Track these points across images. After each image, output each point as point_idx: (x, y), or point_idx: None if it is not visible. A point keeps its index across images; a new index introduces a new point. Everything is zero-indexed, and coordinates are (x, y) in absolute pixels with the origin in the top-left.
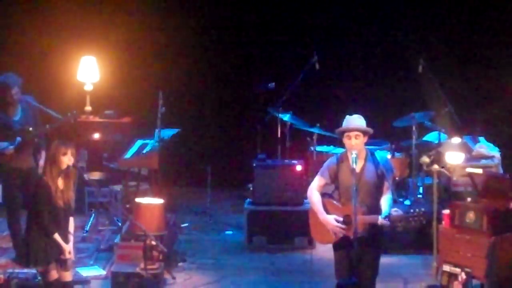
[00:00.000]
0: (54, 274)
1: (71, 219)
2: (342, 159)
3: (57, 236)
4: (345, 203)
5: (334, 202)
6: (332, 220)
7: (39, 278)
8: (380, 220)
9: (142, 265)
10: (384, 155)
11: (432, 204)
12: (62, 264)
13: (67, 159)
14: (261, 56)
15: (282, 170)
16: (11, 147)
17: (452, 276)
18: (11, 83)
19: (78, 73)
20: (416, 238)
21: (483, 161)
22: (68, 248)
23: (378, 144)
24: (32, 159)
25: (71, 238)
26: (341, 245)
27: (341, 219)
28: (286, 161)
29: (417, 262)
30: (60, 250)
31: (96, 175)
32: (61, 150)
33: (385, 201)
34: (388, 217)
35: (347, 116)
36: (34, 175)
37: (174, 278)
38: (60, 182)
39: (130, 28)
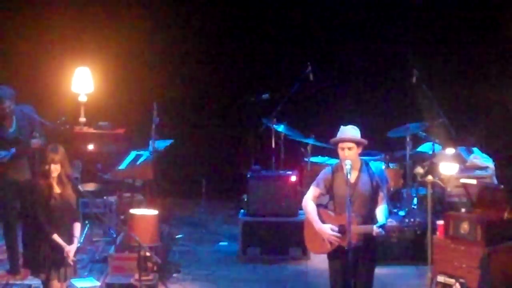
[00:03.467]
0: (56, 285)
1: (78, 224)
2: (336, 170)
3: (56, 237)
4: (340, 213)
5: (329, 212)
6: (327, 229)
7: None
8: (375, 229)
9: (136, 276)
10: (379, 165)
11: (426, 214)
12: (63, 270)
13: (54, 167)
14: (255, 67)
15: (276, 181)
16: (8, 156)
17: (447, 287)
18: (2, 97)
19: (72, 84)
20: (410, 248)
21: (477, 172)
22: (68, 248)
23: (372, 155)
24: (29, 171)
25: (75, 241)
26: (336, 255)
27: (336, 228)
28: (281, 172)
29: (412, 273)
30: (62, 254)
31: (90, 186)
32: (50, 156)
33: (381, 211)
34: (383, 227)
35: (342, 127)
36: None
37: None
38: (55, 186)
39: (124, 39)
